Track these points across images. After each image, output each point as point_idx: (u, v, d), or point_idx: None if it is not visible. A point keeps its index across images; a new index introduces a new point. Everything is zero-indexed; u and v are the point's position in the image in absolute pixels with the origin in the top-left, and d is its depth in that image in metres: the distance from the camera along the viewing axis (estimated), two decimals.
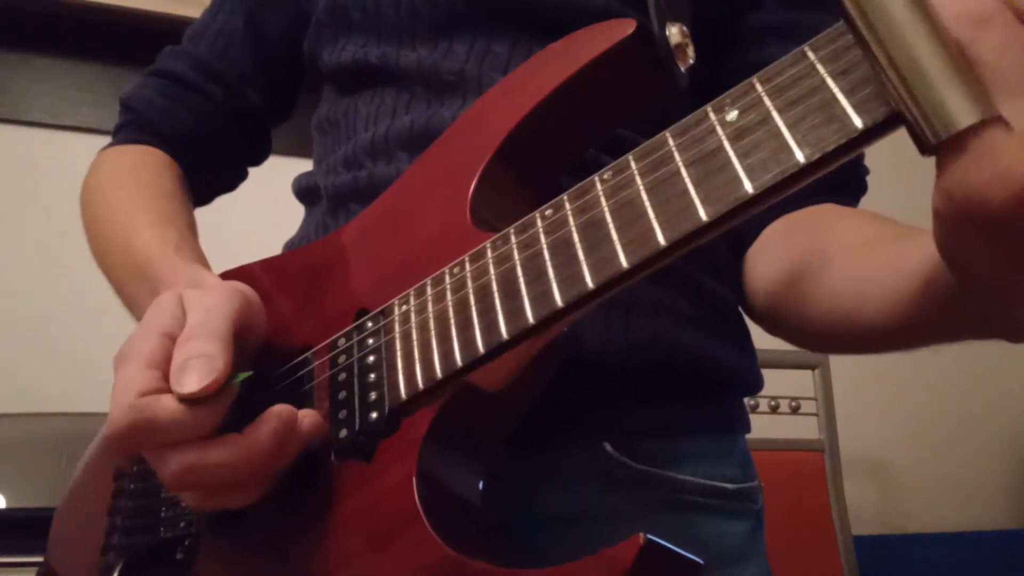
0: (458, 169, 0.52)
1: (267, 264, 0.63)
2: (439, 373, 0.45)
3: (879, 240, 0.49)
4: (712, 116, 0.37)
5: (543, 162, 0.53)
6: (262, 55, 0.78)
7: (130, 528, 0.60)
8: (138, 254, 0.62)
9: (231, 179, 0.84)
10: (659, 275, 0.59)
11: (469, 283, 0.46)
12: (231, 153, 0.81)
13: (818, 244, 0.54)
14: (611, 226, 0.40)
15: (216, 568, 0.54)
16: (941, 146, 0.28)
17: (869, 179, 0.66)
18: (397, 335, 0.49)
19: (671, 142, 0.39)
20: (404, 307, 0.49)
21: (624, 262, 0.38)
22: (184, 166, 0.75)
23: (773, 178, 0.34)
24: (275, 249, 0.69)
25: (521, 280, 0.43)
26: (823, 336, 0.54)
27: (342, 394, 0.50)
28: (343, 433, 0.49)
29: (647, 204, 0.38)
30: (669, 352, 0.58)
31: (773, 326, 0.61)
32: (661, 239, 0.37)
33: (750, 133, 0.35)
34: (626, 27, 0.48)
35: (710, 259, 0.63)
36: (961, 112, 0.27)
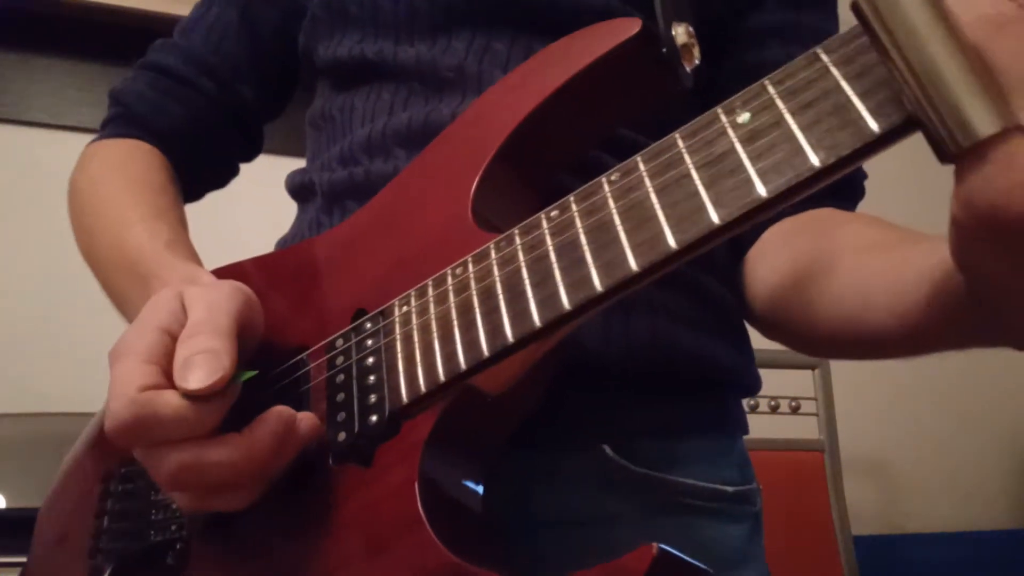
0: (459, 167, 0.52)
1: (261, 261, 0.62)
2: (442, 376, 0.44)
3: (883, 244, 0.49)
4: (723, 118, 0.37)
5: (545, 161, 0.53)
6: (256, 50, 0.77)
7: (118, 531, 0.59)
8: (129, 250, 0.60)
9: (222, 175, 0.82)
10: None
11: (472, 285, 0.45)
12: (222, 149, 0.79)
13: (820, 248, 0.53)
14: (620, 228, 0.39)
15: (207, 571, 0.52)
16: (961, 155, 0.28)
17: (867, 184, 0.65)
18: (398, 337, 0.48)
19: (681, 144, 0.38)
20: (405, 308, 0.48)
21: (634, 265, 0.38)
22: (174, 161, 0.73)
23: (787, 182, 0.34)
24: (271, 249, 0.68)
25: (527, 282, 0.42)
26: (825, 341, 0.54)
27: (340, 396, 0.49)
28: (341, 436, 0.48)
29: (657, 206, 0.38)
30: (669, 353, 0.57)
31: (773, 330, 0.61)
32: (672, 242, 0.37)
33: (763, 136, 0.35)
34: (631, 26, 0.48)
35: (709, 259, 0.62)
36: (982, 121, 0.27)
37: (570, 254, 0.41)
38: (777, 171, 0.34)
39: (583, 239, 0.40)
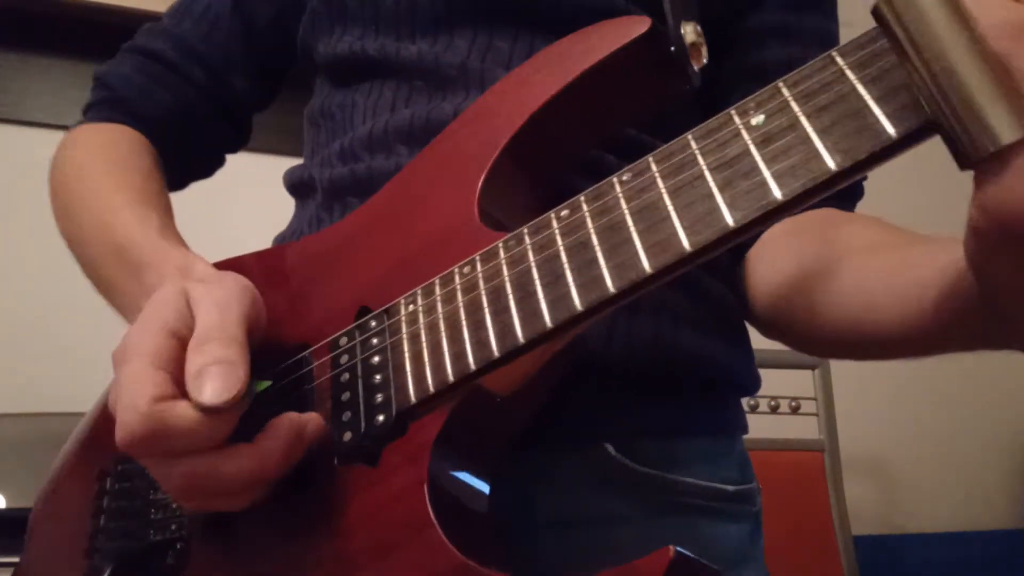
0: (465, 164, 0.51)
1: (261, 256, 0.61)
2: (451, 376, 0.43)
3: (885, 245, 0.48)
4: (737, 120, 0.37)
5: (551, 159, 0.52)
6: (248, 40, 0.75)
7: (116, 530, 0.58)
8: (117, 235, 0.59)
9: (208, 165, 0.81)
10: None
11: (481, 284, 0.44)
12: (209, 139, 0.78)
13: (822, 249, 0.53)
14: (632, 229, 0.39)
15: (207, 570, 0.52)
16: (982, 161, 0.28)
17: (867, 184, 0.65)
18: (404, 336, 0.47)
19: (694, 145, 0.38)
20: (411, 307, 0.48)
21: (647, 266, 0.38)
22: (159, 148, 0.72)
23: (803, 185, 0.33)
24: (263, 246, 0.67)
25: (537, 283, 0.41)
26: (827, 342, 0.54)
27: (345, 395, 0.48)
28: (347, 436, 0.47)
29: (671, 207, 0.38)
30: (671, 353, 0.57)
31: (774, 330, 0.61)
32: (686, 244, 0.37)
33: (778, 139, 0.35)
34: (640, 24, 0.48)
35: (711, 260, 0.63)
36: (1004, 128, 0.27)
37: (582, 255, 0.40)
38: (793, 174, 0.34)
39: (595, 239, 0.40)
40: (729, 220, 0.35)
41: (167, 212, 0.64)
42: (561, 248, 0.41)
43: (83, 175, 0.67)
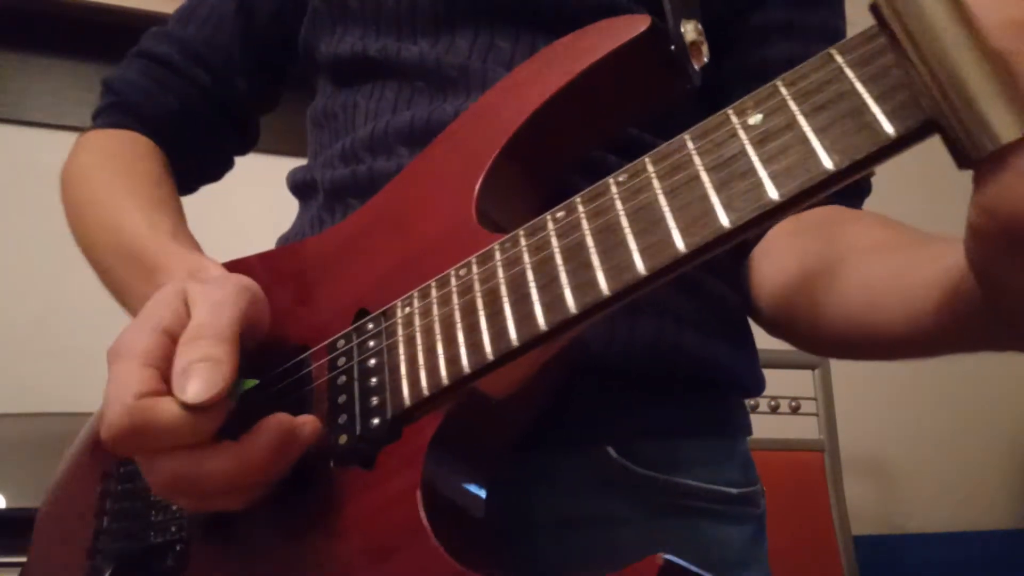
0: (463, 165, 0.51)
1: (264, 258, 0.61)
2: (445, 379, 0.43)
3: (890, 245, 0.48)
4: (734, 119, 0.36)
5: (551, 160, 0.52)
6: (251, 41, 0.76)
7: (118, 531, 0.58)
8: (129, 239, 0.59)
9: (216, 168, 0.81)
10: None
11: (476, 286, 0.44)
12: (216, 141, 0.78)
13: (826, 248, 0.53)
14: (627, 231, 0.38)
15: (207, 573, 0.52)
16: (982, 161, 0.27)
17: (874, 181, 0.63)
18: (400, 338, 0.47)
19: (690, 145, 0.37)
20: (407, 309, 0.47)
21: (642, 269, 0.37)
22: (168, 152, 0.72)
23: (800, 185, 0.33)
24: (266, 247, 0.68)
25: (532, 285, 0.41)
26: (831, 342, 0.53)
27: (342, 398, 0.48)
28: (343, 439, 0.47)
29: (666, 209, 0.37)
30: (672, 354, 0.57)
31: (778, 329, 0.60)
32: (681, 246, 0.36)
33: (775, 138, 0.34)
34: (640, 23, 0.47)
35: (712, 259, 0.62)
36: (1004, 126, 0.26)
37: (577, 256, 0.40)
38: (790, 174, 0.33)
39: (590, 241, 0.40)
40: (724, 221, 0.35)
41: (178, 215, 0.65)
42: (556, 250, 0.41)
43: (93, 180, 0.67)
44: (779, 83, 0.35)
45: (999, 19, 0.27)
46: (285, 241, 0.70)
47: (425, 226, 0.51)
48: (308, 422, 0.47)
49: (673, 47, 0.49)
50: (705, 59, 0.49)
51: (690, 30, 0.49)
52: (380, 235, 0.54)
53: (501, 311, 0.42)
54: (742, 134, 0.35)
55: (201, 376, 0.42)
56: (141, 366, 0.44)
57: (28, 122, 1.76)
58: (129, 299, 0.60)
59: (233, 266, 0.59)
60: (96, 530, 0.59)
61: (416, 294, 0.48)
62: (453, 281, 0.46)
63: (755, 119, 0.35)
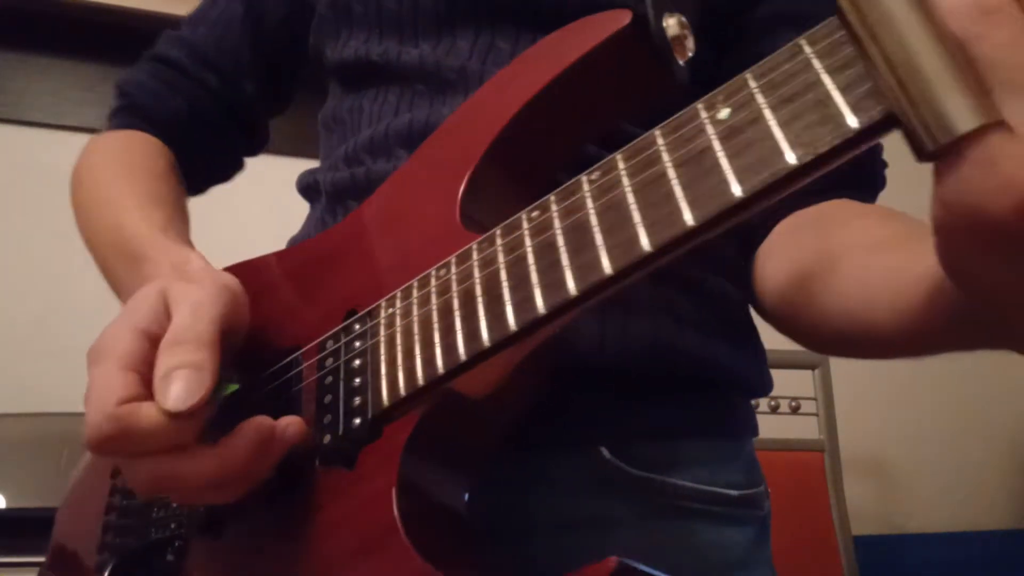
0: (449, 167, 0.51)
1: (265, 260, 0.62)
2: (421, 380, 0.43)
3: (890, 241, 0.47)
4: (703, 114, 0.35)
5: (537, 159, 0.52)
6: (259, 44, 0.77)
7: (122, 527, 0.59)
8: (124, 234, 0.60)
9: (225, 169, 0.82)
10: (659, 275, 0.58)
11: (454, 286, 0.44)
12: (225, 142, 0.79)
13: (826, 244, 0.52)
14: (596, 230, 0.38)
15: (204, 569, 0.53)
16: (939, 153, 0.26)
17: (889, 173, 0.62)
18: (382, 338, 0.47)
19: (660, 141, 0.37)
20: (391, 309, 0.48)
21: (608, 268, 0.36)
22: (177, 153, 0.73)
23: (762, 181, 0.32)
24: (274, 247, 0.68)
25: (504, 284, 0.41)
26: (832, 340, 0.52)
27: (328, 398, 0.49)
28: (327, 439, 0.47)
29: (633, 207, 0.36)
30: (669, 354, 0.57)
31: (783, 327, 0.59)
32: (646, 245, 0.35)
33: (741, 132, 0.33)
34: (622, 18, 0.47)
35: (714, 256, 0.62)
36: (960, 116, 0.25)
37: (547, 255, 0.39)
38: (753, 170, 0.32)
39: (560, 240, 0.39)
40: (689, 220, 0.34)
41: (176, 211, 0.65)
42: (529, 249, 0.41)
43: (98, 179, 0.68)
44: (748, 75, 0.34)
45: (956, 3, 0.25)
46: (294, 243, 0.71)
47: (413, 227, 0.52)
48: (292, 423, 0.47)
49: (655, 42, 0.48)
50: (690, 53, 0.48)
51: (673, 24, 0.48)
52: (370, 236, 0.54)
53: (475, 312, 0.42)
54: (710, 128, 0.35)
55: (182, 382, 0.43)
56: (121, 370, 0.44)
57: (28, 122, 1.76)
58: (119, 290, 0.60)
59: (237, 269, 0.60)
60: (105, 525, 0.61)
61: (399, 294, 0.48)
62: (433, 281, 0.46)
63: (724, 113, 0.34)
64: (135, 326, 0.46)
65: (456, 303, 0.43)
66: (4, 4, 1.68)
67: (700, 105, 0.36)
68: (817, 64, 0.31)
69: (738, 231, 0.62)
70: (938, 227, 0.28)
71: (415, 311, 0.46)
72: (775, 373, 0.67)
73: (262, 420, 0.46)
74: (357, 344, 0.49)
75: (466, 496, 0.47)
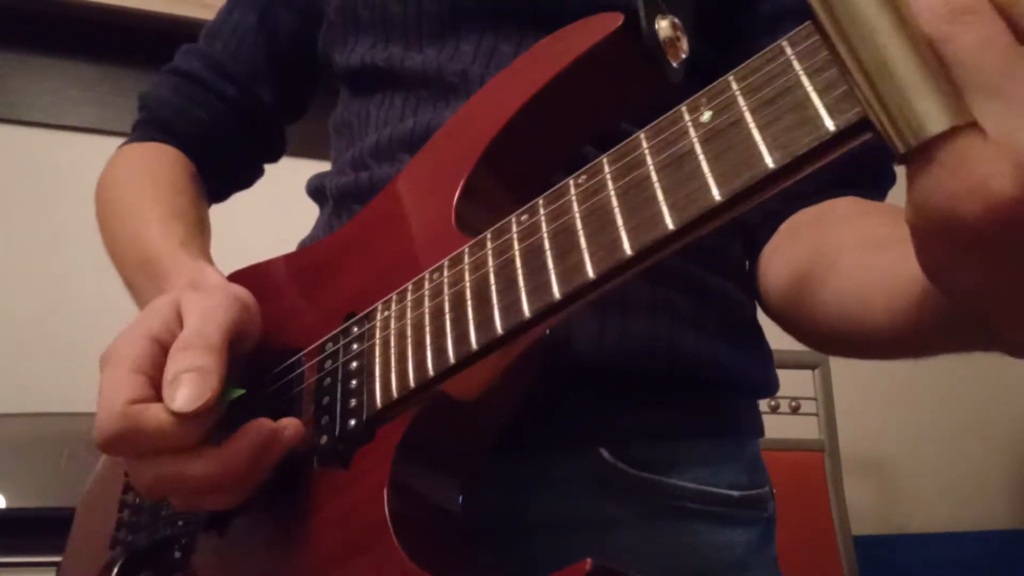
0: (445, 173, 0.52)
1: (274, 263, 0.64)
2: (412, 382, 0.44)
3: (888, 240, 0.46)
4: (687, 116, 0.35)
5: (532, 162, 0.52)
6: (274, 53, 0.79)
7: (134, 524, 0.61)
8: (145, 248, 0.62)
9: (246, 177, 0.84)
10: (659, 275, 0.58)
11: (445, 289, 0.45)
12: (245, 151, 0.81)
13: (826, 243, 0.52)
14: (580, 233, 0.38)
15: (209, 567, 0.54)
16: (910, 155, 0.25)
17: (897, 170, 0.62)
18: (377, 341, 0.48)
19: (644, 144, 0.37)
20: (386, 312, 0.49)
21: (591, 272, 0.37)
22: (198, 163, 0.75)
23: (742, 184, 0.32)
24: (280, 248, 0.69)
25: (493, 288, 0.41)
26: (831, 339, 0.52)
27: (326, 399, 0.50)
28: (324, 439, 0.48)
29: (617, 211, 0.37)
30: (668, 355, 0.57)
31: (787, 326, 0.59)
32: (628, 248, 0.35)
33: (722, 136, 0.33)
34: (614, 21, 0.47)
35: (716, 256, 0.62)
36: (930, 118, 0.24)
37: (534, 259, 0.40)
38: (733, 173, 0.32)
39: (546, 243, 0.40)
40: (669, 223, 0.34)
41: (196, 224, 0.67)
42: (516, 252, 0.41)
43: (121, 192, 0.71)
44: (731, 77, 0.34)
45: (930, 2, 0.25)
46: (304, 244, 0.72)
47: (411, 231, 0.53)
48: (290, 425, 0.48)
49: (646, 44, 0.48)
50: (683, 55, 0.48)
51: (665, 27, 0.48)
52: (371, 240, 0.56)
53: (464, 315, 0.42)
54: (692, 132, 0.35)
55: (190, 385, 0.44)
56: (131, 372, 0.46)
57: (27, 122, 1.76)
58: (141, 303, 0.62)
59: (242, 274, 0.62)
60: (118, 522, 0.62)
61: (394, 297, 0.49)
62: (426, 284, 0.47)
63: (706, 116, 0.34)
64: (146, 332, 0.48)
65: (447, 306, 0.44)
66: (4, 4, 1.68)
67: (684, 108, 0.36)
68: (797, 66, 0.31)
69: (743, 231, 0.62)
70: (913, 231, 0.28)
71: (409, 314, 0.47)
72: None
73: (263, 422, 0.47)
74: (355, 346, 0.50)
75: (460, 497, 0.47)
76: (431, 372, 0.43)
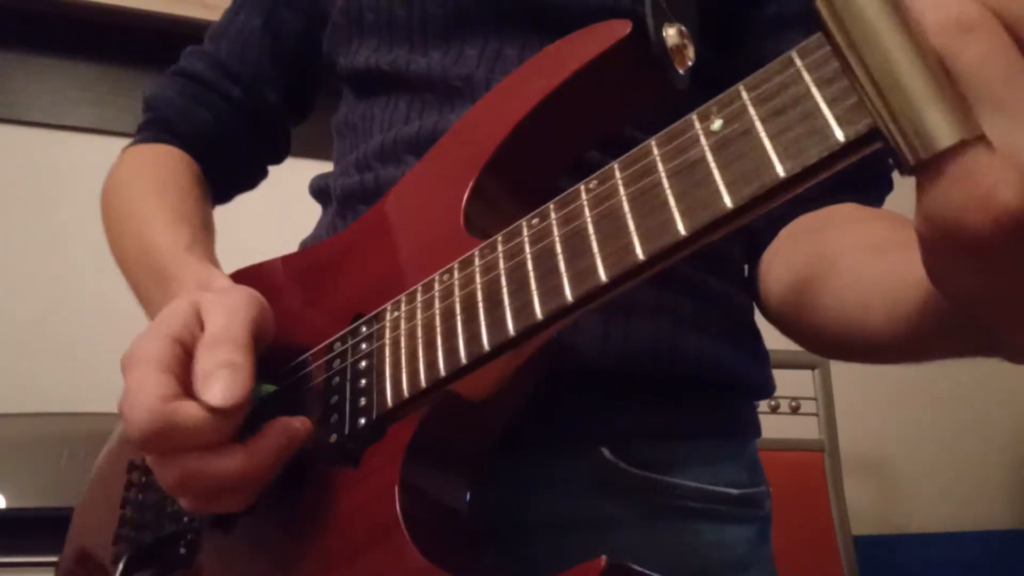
0: (453, 175, 0.52)
1: (276, 263, 0.64)
2: (423, 382, 0.45)
3: (887, 246, 0.47)
4: (697, 125, 0.36)
5: (539, 166, 0.53)
6: (279, 55, 0.79)
7: (138, 520, 0.61)
8: (151, 251, 0.62)
9: (251, 178, 0.85)
10: (662, 278, 0.58)
11: (456, 291, 0.45)
12: (249, 152, 0.82)
13: (827, 248, 0.52)
14: (592, 238, 0.39)
15: (214, 564, 0.54)
16: (920, 167, 0.26)
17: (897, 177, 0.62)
18: (387, 341, 0.48)
19: (655, 151, 0.38)
20: (395, 313, 0.49)
21: (603, 276, 0.37)
22: (203, 164, 0.76)
23: (752, 192, 0.32)
24: (282, 248, 0.70)
25: (504, 290, 0.42)
26: (831, 344, 0.53)
27: (335, 398, 0.50)
28: (333, 437, 0.49)
29: (628, 216, 0.37)
30: (670, 356, 0.57)
31: (786, 330, 0.60)
32: (640, 253, 0.36)
33: (733, 144, 0.34)
34: (622, 28, 0.47)
35: (718, 259, 0.62)
36: (940, 132, 0.25)
37: (546, 263, 0.41)
38: (744, 181, 0.33)
39: (558, 247, 0.40)
40: (681, 229, 0.35)
41: (202, 227, 0.67)
42: (528, 256, 0.42)
43: (127, 195, 0.71)
44: (741, 87, 0.35)
45: (938, 18, 0.26)
46: (305, 244, 0.73)
47: (418, 233, 0.53)
48: (301, 422, 0.49)
49: (654, 51, 0.48)
50: (690, 63, 0.49)
51: (672, 34, 0.48)
52: (377, 241, 0.56)
53: (476, 317, 0.43)
54: (703, 140, 0.35)
55: (224, 380, 0.45)
56: (160, 371, 0.46)
57: (27, 122, 1.76)
58: (147, 306, 0.63)
59: (247, 272, 0.63)
60: (121, 519, 0.63)
61: (404, 298, 0.49)
62: (436, 286, 0.47)
63: (716, 124, 0.35)
64: (167, 333, 0.48)
65: (458, 308, 0.44)
66: (4, 4, 1.68)
67: (694, 116, 0.37)
68: (807, 76, 0.32)
69: (744, 235, 0.62)
70: (921, 239, 0.29)
71: (419, 315, 0.47)
72: (775, 373, 0.67)
73: (288, 421, 0.48)
74: (363, 346, 0.50)
75: (467, 495, 0.48)
76: (442, 372, 0.44)
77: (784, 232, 0.59)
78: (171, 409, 0.45)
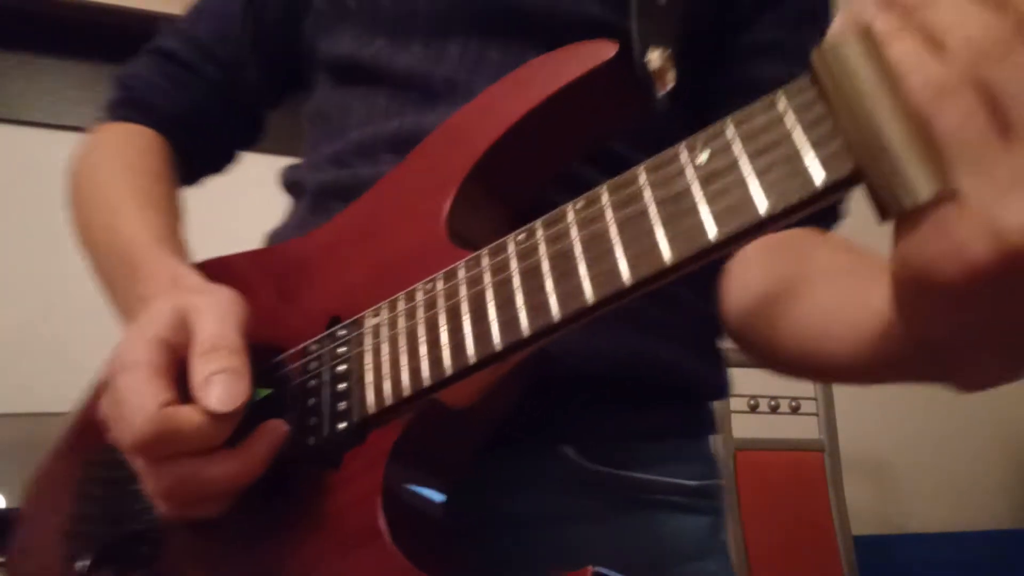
0: (435, 183, 0.52)
1: (245, 257, 0.63)
2: (407, 390, 0.45)
3: (849, 273, 0.49)
4: (684, 156, 0.37)
5: (520, 180, 0.53)
6: (259, 37, 0.77)
7: (97, 517, 0.60)
8: (120, 237, 0.61)
9: (220, 161, 0.82)
10: None
11: (440, 302, 0.46)
12: (222, 135, 0.79)
13: (790, 271, 0.53)
14: (579, 259, 0.40)
15: (181, 564, 0.54)
16: (900, 215, 0.29)
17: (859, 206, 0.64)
18: (367, 348, 0.49)
19: (642, 178, 0.39)
20: (375, 320, 0.49)
21: (590, 297, 0.38)
22: (174, 145, 0.73)
23: (736, 227, 0.34)
24: (232, 240, 0.68)
25: (490, 305, 0.43)
26: (787, 363, 0.54)
27: (312, 401, 0.50)
28: (311, 440, 0.49)
29: (615, 240, 0.38)
30: (634, 359, 0.58)
31: (740, 344, 0.61)
32: (627, 277, 0.37)
33: (718, 178, 0.35)
34: (608, 50, 0.48)
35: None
36: (919, 185, 0.27)
37: (532, 280, 0.41)
38: (728, 215, 0.34)
39: (545, 266, 0.41)
40: (667, 257, 0.36)
41: (172, 215, 0.66)
42: (514, 272, 0.42)
43: (96, 177, 0.69)
44: (729, 121, 0.36)
45: (921, 79, 0.28)
46: (273, 236, 0.71)
47: (398, 239, 0.53)
48: (279, 425, 0.49)
49: (638, 75, 0.50)
50: (669, 86, 0.50)
51: (656, 57, 0.50)
52: (355, 244, 0.56)
53: (461, 329, 0.43)
54: (689, 171, 0.36)
55: (224, 386, 0.45)
56: (154, 376, 0.46)
57: (27, 122, 1.76)
58: (115, 296, 0.61)
59: (212, 265, 0.61)
60: (74, 514, 0.61)
61: (385, 305, 0.49)
62: (419, 296, 0.47)
63: (703, 157, 0.36)
64: (155, 336, 0.48)
65: (443, 318, 0.45)
66: (4, 4, 1.69)
67: (682, 146, 0.38)
68: (792, 118, 0.33)
69: None
70: (895, 280, 0.31)
71: (401, 323, 0.47)
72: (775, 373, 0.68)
73: (277, 424, 0.48)
74: (342, 350, 0.50)
75: (445, 500, 0.48)
76: (427, 381, 0.44)
77: (746, 249, 0.60)
78: (169, 414, 0.44)
